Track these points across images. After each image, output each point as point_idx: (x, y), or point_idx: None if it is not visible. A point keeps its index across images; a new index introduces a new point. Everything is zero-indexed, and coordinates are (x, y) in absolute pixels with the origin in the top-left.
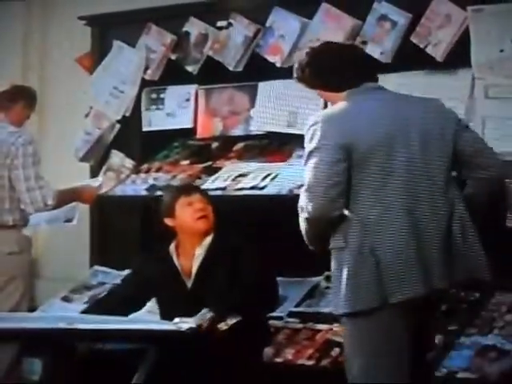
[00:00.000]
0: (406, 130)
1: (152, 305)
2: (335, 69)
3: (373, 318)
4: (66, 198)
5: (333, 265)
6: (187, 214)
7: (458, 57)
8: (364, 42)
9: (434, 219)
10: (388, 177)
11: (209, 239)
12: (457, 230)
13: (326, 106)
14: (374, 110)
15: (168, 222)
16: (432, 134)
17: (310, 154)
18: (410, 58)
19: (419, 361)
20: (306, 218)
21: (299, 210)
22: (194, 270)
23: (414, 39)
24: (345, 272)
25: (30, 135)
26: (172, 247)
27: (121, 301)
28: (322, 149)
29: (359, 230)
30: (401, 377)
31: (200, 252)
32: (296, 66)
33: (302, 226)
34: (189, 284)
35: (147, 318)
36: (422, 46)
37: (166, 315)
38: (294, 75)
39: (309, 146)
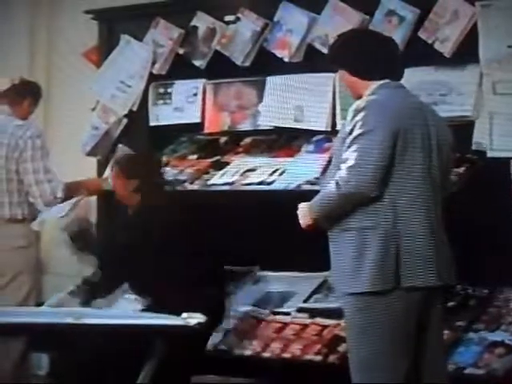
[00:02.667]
0: (428, 130)
1: None
2: (377, 58)
3: (387, 299)
4: (73, 190)
5: (349, 244)
6: None
7: (466, 52)
8: None
9: (440, 219)
10: (419, 170)
11: None
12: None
13: (334, 102)
14: (412, 104)
15: None
16: (439, 142)
17: (362, 134)
18: (417, 53)
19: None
20: (343, 194)
21: (331, 186)
22: None
23: (421, 35)
24: (372, 252)
25: (37, 128)
26: None
27: None
28: (376, 131)
29: (390, 214)
30: (408, 364)
31: None
32: (335, 42)
33: (331, 201)
34: None
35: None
36: (429, 41)
37: None
38: (328, 51)
39: (360, 127)
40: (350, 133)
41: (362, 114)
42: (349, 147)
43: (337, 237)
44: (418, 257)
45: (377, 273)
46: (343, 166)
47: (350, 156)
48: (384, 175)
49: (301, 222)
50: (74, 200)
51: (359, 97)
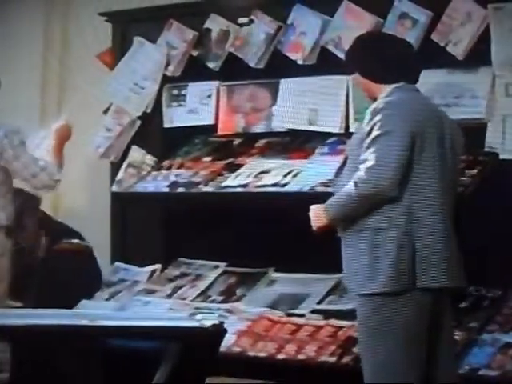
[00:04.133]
0: (443, 133)
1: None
2: (390, 61)
3: (402, 300)
4: (58, 157)
5: (363, 244)
6: None
7: (479, 55)
8: None
9: (453, 221)
10: (435, 171)
11: None
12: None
13: (347, 104)
14: (427, 106)
15: None
16: (453, 144)
17: (380, 136)
18: (430, 56)
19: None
20: (362, 194)
21: (350, 186)
22: None
23: (434, 37)
24: (386, 252)
25: (10, 125)
26: None
27: None
28: (396, 132)
29: (406, 214)
30: (421, 365)
31: None
32: (352, 45)
33: (349, 201)
34: None
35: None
36: (442, 44)
37: None
38: (345, 54)
39: (378, 129)
40: (369, 134)
41: (380, 115)
42: (368, 148)
43: (352, 238)
44: (433, 258)
45: (393, 273)
46: (362, 167)
47: (370, 157)
48: (402, 176)
49: (313, 223)
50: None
51: (374, 99)
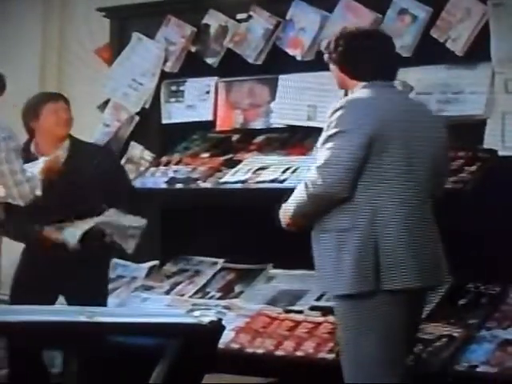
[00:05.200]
0: (414, 131)
1: None
2: (364, 59)
3: (372, 302)
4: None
5: (328, 245)
6: (52, 120)
7: (478, 51)
8: None
9: (425, 221)
10: (397, 171)
11: (67, 142)
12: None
13: None
14: (396, 105)
15: (31, 123)
16: (428, 143)
17: (335, 134)
18: (430, 52)
19: None
20: (311, 194)
21: (302, 185)
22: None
23: (434, 33)
24: (349, 253)
25: (9, 129)
26: (33, 147)
27: None
28: (350, 132)
29: (368, 214)
30: (402, 365)
31: (61, 152)
32: (331, 40)
33: (300, 201)
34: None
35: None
36: (441, 40)
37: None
38: (325, 49)
39: (335, 127)
40: (326, 131)
41: (337, 114)
42: (321, 146)
43: (316, 238)
44: (397, 258)
45: (355, 275)
46: (313, 166)
47: (320, 156)
48: (358, 176)
49: (281, 221)
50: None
51: (346, 93)
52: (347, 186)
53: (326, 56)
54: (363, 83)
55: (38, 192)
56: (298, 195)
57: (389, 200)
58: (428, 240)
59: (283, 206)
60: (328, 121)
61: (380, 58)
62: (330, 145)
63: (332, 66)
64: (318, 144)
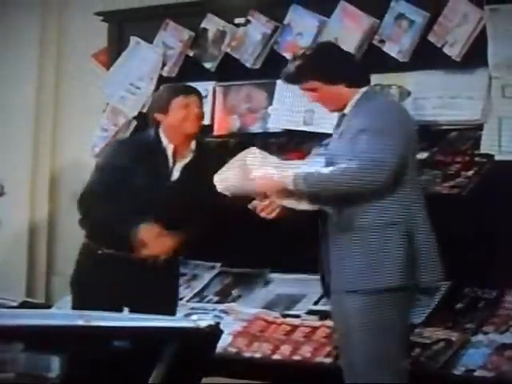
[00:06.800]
0: None
1: None
2: (357, 64)
3: (398, 296)
4: None
5: (364, 241)
6: (181, 115)
7: (475, 56)
8: (382, 41)
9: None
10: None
11: (194, 143)
12: None
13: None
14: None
15: (158, 116)
16: None
17: (383, 132)
18: (427, 57)
19: None
20: (349, 185)
21: (334, 171)
22: (180, 165)
23: (431, 38)
24: (389, 248)
25: None
26: (162, 134)
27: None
28: (398, 131)
29: (405, 210)
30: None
31: (188, 152)
32: (305, 55)
33: (335, 182)
34: (172, 177)
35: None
36: (439, 45)
37: (140, 208)
38: (298, 65)
39: (382, 124)
40: (365, 129)
41: (379, 113)
42: (365, 142)
43: (345, 235)
44: (429, 254)
45: (397, 269)
46: (360, 157)
47: (368, 150)
48: (400, 173)
49: (260, 188)
50: None
51: (341, 108)
52: (389, 183)
53: (302, 77)
54: (361, 91)
55: None
56: (333, 177)
57: (417, 195)
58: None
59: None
60: (355, 119)
61: (360, 63)
62: (378, 141)
63: (314, 85)
64: (344, 135)
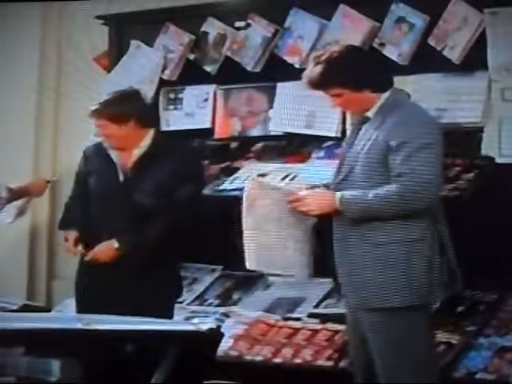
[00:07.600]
0: None
1: None
2: (379, 67)
3: (423, 313)
4: (18, 194)
5: (391, 256)
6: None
7: (475, 59)
8: (382, 44)
9: None
10: None
11: (146, 141)
12: None
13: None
14: None
15: None
16: None
17: (429, 146)
18: (427, 60)
19: None
20: (398, 207)
21: (394, 191)
22: (129, 164)
23: (431, 41)
24: (420, 264)
25: None
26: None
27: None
28: (437, 146)
29: (433, 227)
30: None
31: (137, 151)
32: (329, 61)
33: (392, 201)
34: (121, 177)
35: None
36: (439, 48)
37: (98, 208)
38: (322, 71)
39: (426, 137)
40: (406, 142)
41: (419, 125)
42: (409, 159)
43: (374, 249)
44: (454, 268)
45: (427, 285)
46: (408, 177)
47: (413, 166)
48: None
49: (315, 208)
50: (20, 204)
51: (364, 111)
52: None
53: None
54: (385, 95)
55: (10, 220)
56: (391, 195)
57: (441, 213)
58: None
59: (321, 192)
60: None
61: (382, 65)
62: (423, 156)
63: (337, 91)
64: (370, 140)
